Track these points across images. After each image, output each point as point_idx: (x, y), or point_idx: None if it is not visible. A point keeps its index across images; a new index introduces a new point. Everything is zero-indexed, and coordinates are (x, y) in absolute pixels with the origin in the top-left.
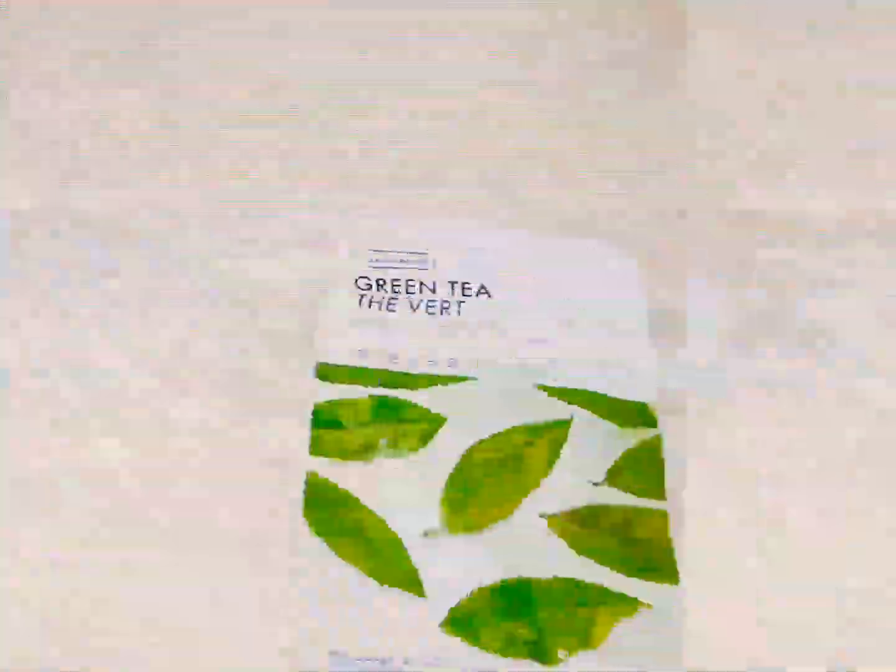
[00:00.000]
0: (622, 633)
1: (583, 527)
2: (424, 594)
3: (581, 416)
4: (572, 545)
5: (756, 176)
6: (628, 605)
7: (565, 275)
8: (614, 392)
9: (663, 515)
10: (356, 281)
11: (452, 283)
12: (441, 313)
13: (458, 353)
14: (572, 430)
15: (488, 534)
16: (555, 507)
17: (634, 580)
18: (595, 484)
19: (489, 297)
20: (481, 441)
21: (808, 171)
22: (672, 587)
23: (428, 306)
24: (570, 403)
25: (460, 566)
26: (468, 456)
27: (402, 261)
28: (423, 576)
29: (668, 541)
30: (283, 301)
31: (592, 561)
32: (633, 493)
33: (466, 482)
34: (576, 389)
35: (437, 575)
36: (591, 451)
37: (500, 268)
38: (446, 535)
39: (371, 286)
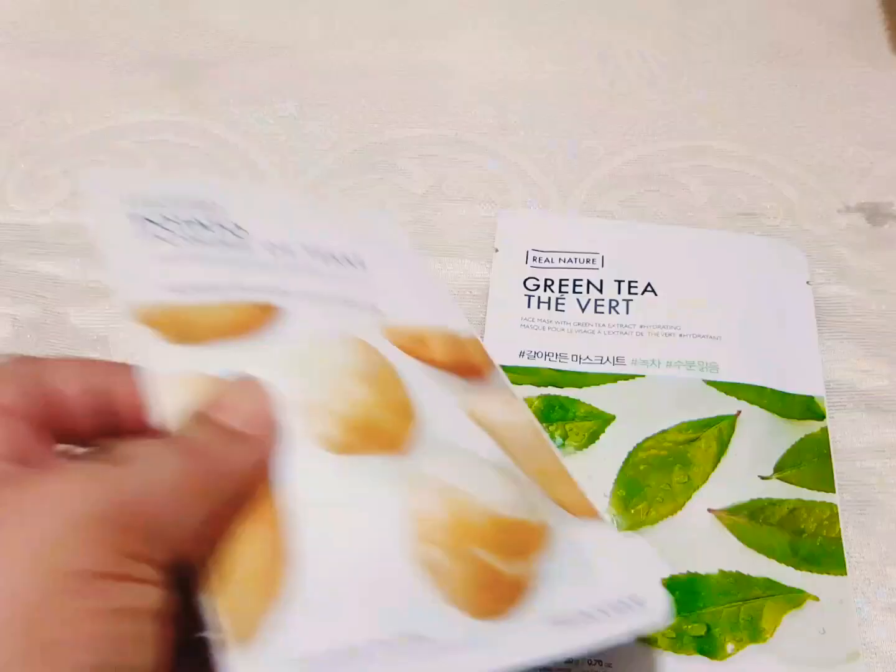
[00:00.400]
0: (791, 625)
1: (751, 520)
2: None
3: (748, 411)
4: (741, 539)
5: None
6: (796, 597)
7: (731, 270)
8: (782, 386)
9: (832, 508)
10: (524, 282)
11: (619, 282)
12: (609, 312)
13: (625, 352)
14: (739, 425)
15: (656, 530)
16: (723, 502)
17: (802, 572)
18: (763, 478)
19: (655, 294)
20: (648, 438)
21: None
22: (840, 578)
23: (597, 305)
24: (738, 399)
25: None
26: (635, 453)
27: (569, 260)
28: None
29: (837, 532)
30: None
31: (760, 554)
32: (801, 486)
33: (634, 479)
34: (743, 384)
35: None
36: (758, 446)
37: (666, 265)
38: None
39: (539, 286)
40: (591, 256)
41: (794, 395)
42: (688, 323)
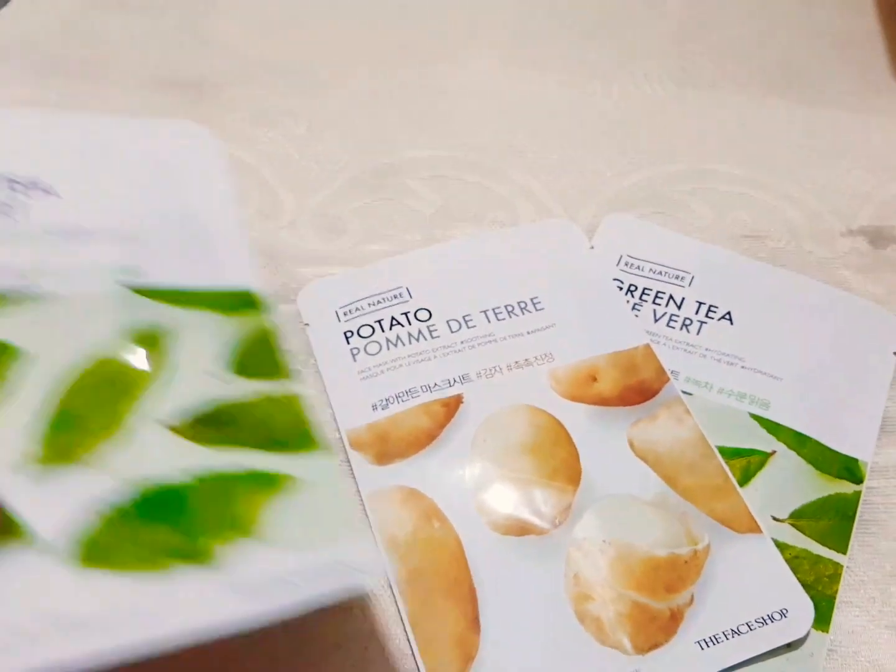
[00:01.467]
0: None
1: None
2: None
3: (784, 453)
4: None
5: None
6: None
7: (818, 320)
8: (828, 441)
9: (836, 567)
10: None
11: (700, 303)
12: (680, 328)
13: (682, 368)
14: (770, 464)
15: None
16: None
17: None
18: (775, 519)
19: (731, 323)
20: None
21: None
22: (821, 634)
23: (670, 319)
24: (778, 440)
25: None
26: None
27: (659, 273)
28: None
29: (834, 591)
30: None
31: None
32: (813, 539)
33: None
34: (788, 428)
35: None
36: (781, 488)
37: (752, 299)
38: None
39: (621, 289)
40: (681, 273)
41: (837, 453)
42: (753, 357)
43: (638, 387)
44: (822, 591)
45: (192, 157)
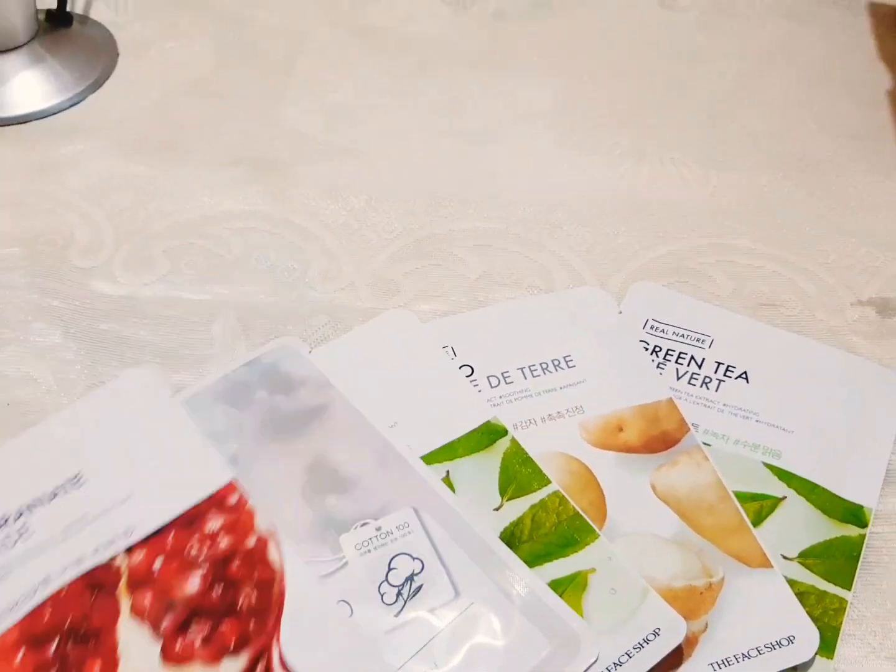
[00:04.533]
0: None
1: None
2: None
3: (794, 499)
4: None
5: None
6: None
7: (824, 380)
8: (835, 489)
9: (841, 601)
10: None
11: (718, 364)
12: (700, 385)
13: (701, 421)
14: (781, 508)
15: None
16: None
17: None
18: (785, 557)
19: (747, 382)
20: None
21: None
22: (826, 661)
23: (691, 377)
24: (788, 486)
25: None
26: None
27: (682, 335)
28: None
29: (839, 623)
30: None
31: None
32: (819, 576)
33: None
34: (798, 476)
35: None
36: (791, 530)
37: (765, 361)
38: None
39: (647, 349)
40: (702, 336)
41: (843, 500)
42: (767, 412)
43: (661, 436)
44: (827, 622)
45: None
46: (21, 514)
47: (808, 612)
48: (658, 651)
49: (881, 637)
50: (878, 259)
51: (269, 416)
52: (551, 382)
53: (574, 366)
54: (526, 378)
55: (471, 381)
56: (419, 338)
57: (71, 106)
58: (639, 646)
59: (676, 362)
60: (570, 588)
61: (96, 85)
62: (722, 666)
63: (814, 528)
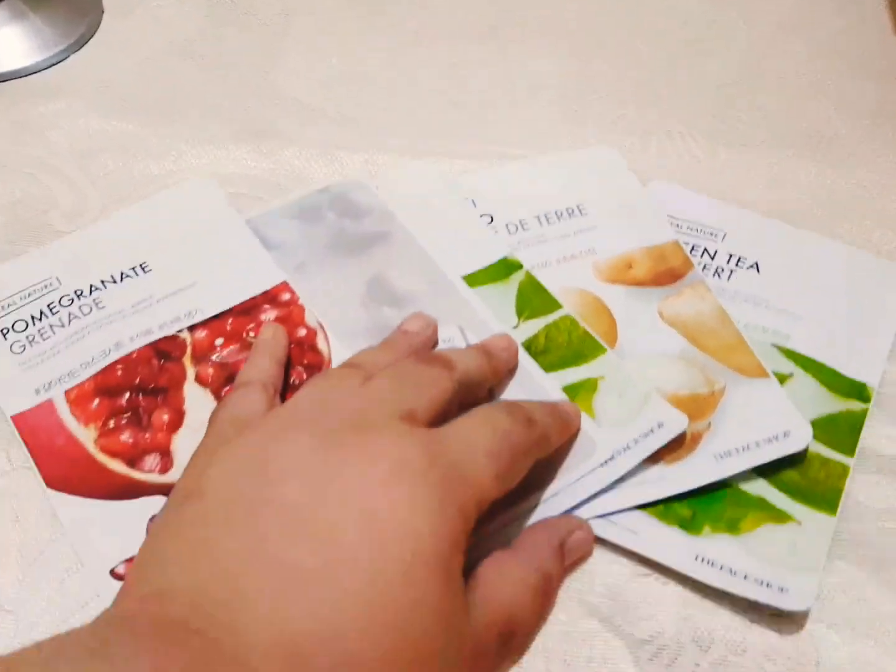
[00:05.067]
0: (765, 531)
1: None
2: None
3: (801, 377)
4: None
5: None
6: (780, 514)
7: (832, 270)
8: (840, 368)
9: (844, 467)
10: None
11: (731, 255)
12: (713, 276)
13: None
14: (788, 385)
15: None
16: None
17: (796, 502)
18: None
19: (758, 272)
20: None
21: None
22: (828, 517)
23: (704, 268)
24: (796, 365)
25: None
26: None
27: (696, 230)
28: None
29: (842, 486)
30: None
31: (764, 479)
32: (824, 444)
33: None
34: (805, 356)
35: None
36: (798, 405)
37: (775, 253)
38: None
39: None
40: (715, 231)
41: (848, 378)
42: (778, 300)
43: (667, 272)
44: (831, 485)
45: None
46: (94, 289)
47: (812, 477)
48: (660, 439)
49: (886, 487)
50: (892, 241)
51: (336, 235)
52: (565, 229)
53: (586, 214)
54: (541, 225)
55: (490, 228)
56: (445, 190)
57: (53, 65)
58: (643, 435)
59: (690, 253)
60: (581, 392)
61: (80, 43)
62: (724, 457)
63: (819, 402)
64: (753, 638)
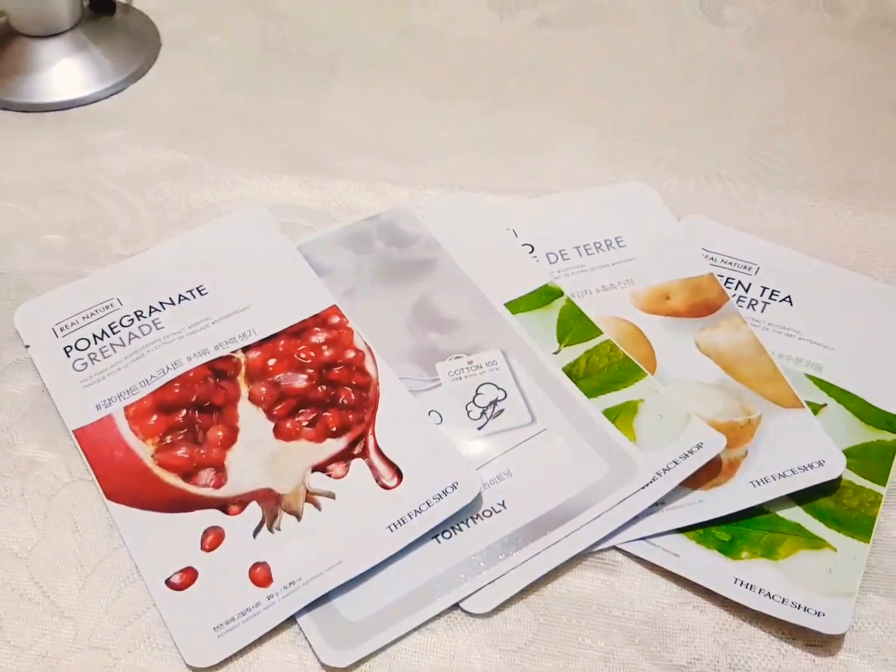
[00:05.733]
0: (803, 557)
1: None
2: None
3: (834, 407)
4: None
5: None
6: (817, 541)
7: (865, 305)
8: (872, 399)
9: (877, 495)
10: None
11: (764, 288)
12: (748, 307)
13: None
14: (821, 415)
15: None
16: None
17: (831, 529)
18: None
19: (791, 305)
20: None
21: None
22: (862, 544)
23: (739, 299)
24: (829, 395)
25: None
26: None
27: (730, 263)
28: None
29: (875, 513)
30: None
31: (799, 506)
32: (857, 473)
33: None
34: (838, 387)
35: None
36: (831, 433)
37: (808, 287)
38: None
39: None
40: (749, 265)
41: (879, 409)
42: (809, 331)
43: (703, 303)
44: (864, 512)
45: None
46: (153, 310)
47: (845, 504)
48: (700, 459)
49: None
50: None
51: (384, 263)
52: (604, 259)
53: (625, 246)
54: (581, 255)
55: (532, 257)
56: (487, 220)
57: (111, 95)
58: (683, 456)
59: (725, 286)
60: (622, 414)
61: (138, 75)
62: (761, 483)
63: (852, 432)
64: (788, 666)
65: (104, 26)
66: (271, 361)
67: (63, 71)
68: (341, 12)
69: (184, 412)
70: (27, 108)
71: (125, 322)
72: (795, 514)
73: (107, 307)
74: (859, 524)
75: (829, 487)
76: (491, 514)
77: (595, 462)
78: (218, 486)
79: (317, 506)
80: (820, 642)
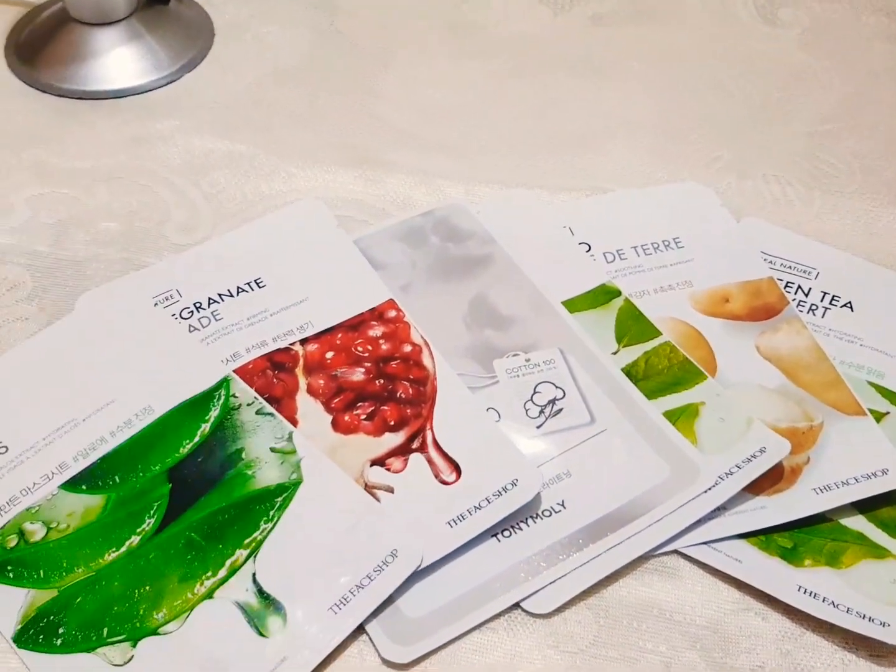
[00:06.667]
0: (867, 566)
1: None
2: None
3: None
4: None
5: None
6: (881, 551)
7: None
8: None
9: None
10: None
11: (824, 293)
12: (808, 312)
13: None
14: (884, 422)
15: None
16: None
17: (895, 540)
18: None
19: (852, 311)
20: None
21: None
22: None
23: (799, 304)
24: (891, 403)
25: None
26: None
27: (789, 267)
28: None
29: None
30: None
31: (862, 515)
32: None
33: None
34: None
35: None
36: (894, 441)
37: (871, 294)
38: None
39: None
40: (809, 269)
41: None
42: (871, 338)
43: (763, 307)
44: None
45: None
46: (212, 302)
47: None
48: (763, 464)
49: None
50: None
51: (440, 258)
52: (662, 260)
53: (683, 247)
54: (639, 256)
55: (589, 255)
56: (543, 217)
57: (166, 84)
58: (746, 460)
59: (784, 289)
60: (683, 416)
61: (192, 65)
62: (823, 491)
63: None
64: None
65: (159, 15)
66: (329, 354)
67: (118, 59)
68: (393, 7)
69: None
70: (82, 95)
71: (185, 314)
72: (858, 522)
73: (166, 298)
74: None
75: (893, 497)
76: (550, 513)
77: (656, 464)
78: None
79: (376, 500)
80: (884, 653)
